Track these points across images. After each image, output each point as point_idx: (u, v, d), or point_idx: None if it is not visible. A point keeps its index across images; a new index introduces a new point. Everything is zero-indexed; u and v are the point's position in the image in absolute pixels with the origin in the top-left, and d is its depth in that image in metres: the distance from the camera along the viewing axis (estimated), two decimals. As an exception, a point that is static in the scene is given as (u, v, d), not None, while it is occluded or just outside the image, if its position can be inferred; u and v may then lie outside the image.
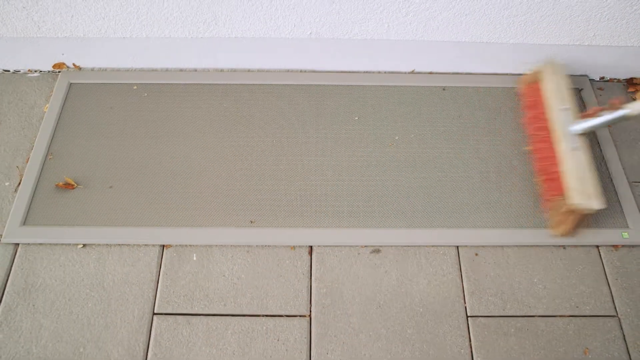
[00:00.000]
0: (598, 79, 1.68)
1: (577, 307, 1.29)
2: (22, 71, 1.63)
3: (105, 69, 1.63)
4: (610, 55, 1.60)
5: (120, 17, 1.47)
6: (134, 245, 1.34)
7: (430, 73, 1.66)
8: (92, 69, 1.63)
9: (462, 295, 1.30)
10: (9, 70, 1.63)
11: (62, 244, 1.34)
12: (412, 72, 1.66)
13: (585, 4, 1.44)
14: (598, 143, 1.53)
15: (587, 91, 1.64)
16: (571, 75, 1.66)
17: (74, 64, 1.62)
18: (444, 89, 1.62)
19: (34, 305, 1.26)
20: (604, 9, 1.45)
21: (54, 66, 1.61)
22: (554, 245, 1.37)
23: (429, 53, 1.60)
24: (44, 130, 1.50)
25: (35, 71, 1.63)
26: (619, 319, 1.28)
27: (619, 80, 1.68)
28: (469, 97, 1.61)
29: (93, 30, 1.51)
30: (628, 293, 1.32)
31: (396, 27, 1.51)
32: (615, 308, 1.30)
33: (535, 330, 1.26)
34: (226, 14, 1.46)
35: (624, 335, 1.26)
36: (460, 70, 1.66)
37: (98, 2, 1.42)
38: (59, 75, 1.61)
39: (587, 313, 1.29)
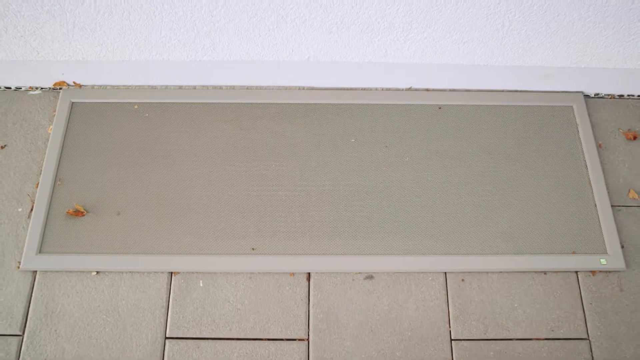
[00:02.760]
0: (593, 95, 1.70)
1: (552, 330, 1.41)
2: (23, 88, 1.65)
3: (106, 87, 1.65)
4: (606, 74, 1.61)
5: (119, 43, 1.47)
6: (144, 272, 1.44)
7: (427, 90, 1.68)
8: (93, 87, 1.65)
9: (447, 320, 1.42)
10: (10, 88, 1.65)
11: (77, 271, 1.44)
12: (409, 89, 1.67)
13: (584, 34, 1.44)
14: (585, 165, 1.59)
15: (581, 108, 1.67)
16: (566, 92, 1.68)
17: (74, 82, 1.63)
18: (439, 108, 1.65)
19: (56, 331, 1.38)
20: (602, 37, 1.45)
21: (54, 84, 1.63)
22: (535, 272, 1.47)
23: (425, 72, 1.61)
24: (51, 154, 1.55)
25: (37, 88, 1.65)
26: (590, 341, 1.41)
27: (612, 97, 1.70)
28: (464, 116, 1.64)
29: (92, 55, 1.51)
30: (600, 317, 1.43)
31: (394, 52, 1.52)
32: (587, 331, 1.42)
33: (512, 353, 1.39)
34: (224, 42, 1.47)
35: (592, 358, 1.39)
36: (457, 87, 1.68)
37: (96, 31, 1.42)
38: (60, 94, 1.63)
39: (561, 336, 1.41)
